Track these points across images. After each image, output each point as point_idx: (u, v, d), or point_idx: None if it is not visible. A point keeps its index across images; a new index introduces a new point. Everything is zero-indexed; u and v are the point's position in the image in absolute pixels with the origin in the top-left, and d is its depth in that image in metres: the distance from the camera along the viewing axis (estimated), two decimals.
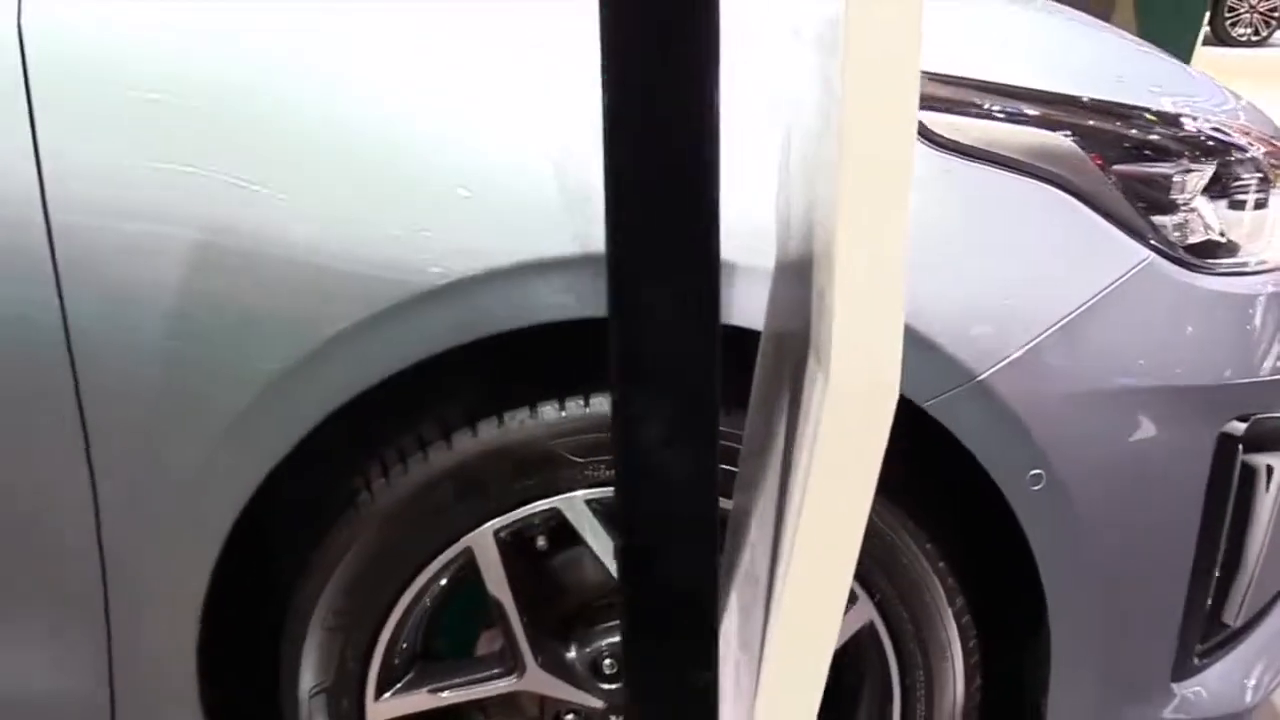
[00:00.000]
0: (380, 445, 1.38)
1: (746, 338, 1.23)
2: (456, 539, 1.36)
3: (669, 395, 0.85)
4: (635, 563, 0.88)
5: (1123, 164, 1.39)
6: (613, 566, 1.39)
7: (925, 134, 1.29)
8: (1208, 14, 7.57)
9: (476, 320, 1.26)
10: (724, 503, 1.06)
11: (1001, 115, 1.34)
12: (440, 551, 1.36)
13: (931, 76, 1.31)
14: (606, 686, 1.46)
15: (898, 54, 0.77)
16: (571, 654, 1.46)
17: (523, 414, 1.32)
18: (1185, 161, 1.44)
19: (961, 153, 1.30)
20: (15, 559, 1.34)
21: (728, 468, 1.18)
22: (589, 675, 1.46)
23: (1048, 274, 1.33)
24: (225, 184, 1.22)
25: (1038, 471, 1.35)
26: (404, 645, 1.44)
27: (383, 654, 1.41)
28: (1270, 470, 1.47)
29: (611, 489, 1.28)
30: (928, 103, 1.29)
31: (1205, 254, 1.42)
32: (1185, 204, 1.45)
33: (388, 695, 1.44)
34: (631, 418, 0.86)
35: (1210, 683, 1.61)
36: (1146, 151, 1.41)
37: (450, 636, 1.54)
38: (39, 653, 1.40)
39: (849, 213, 0.79)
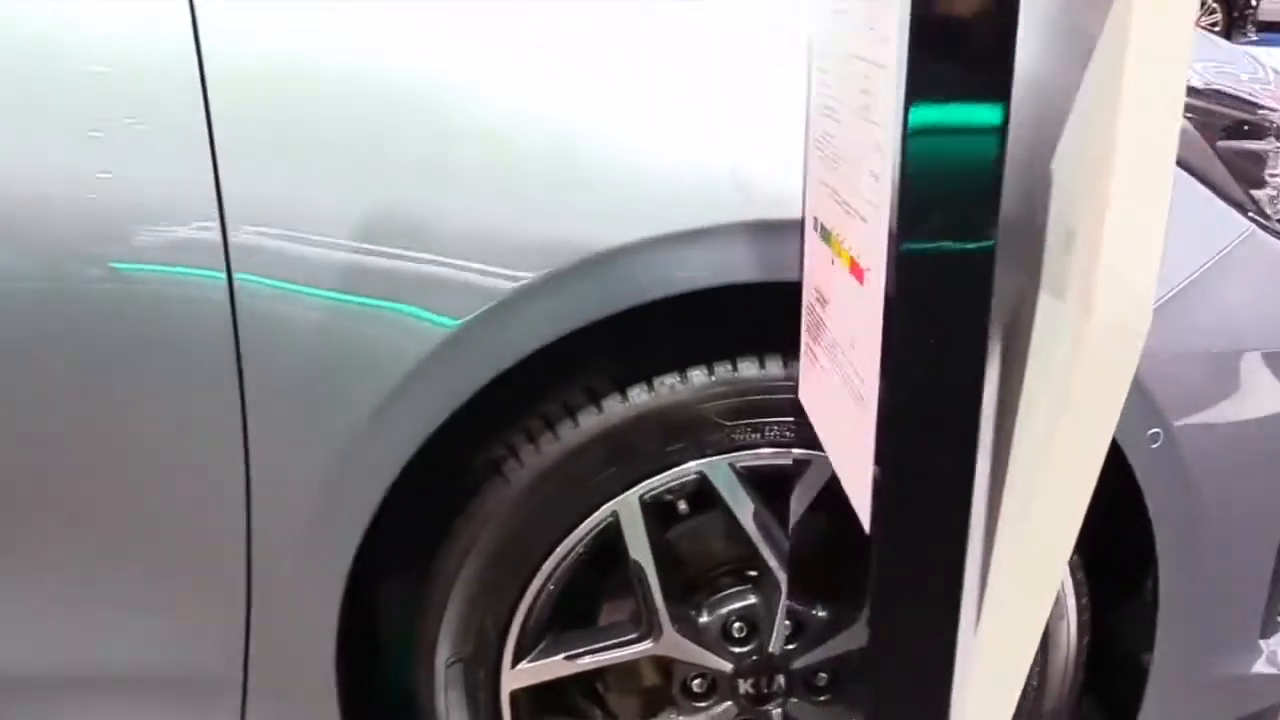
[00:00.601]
0: (525, 415, 1.39)
1: None
2: (603, 504, 1.37)
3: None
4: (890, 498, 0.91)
5: (1225, 141, 1.46)
6: (752, 530, 1.42)
7: None
8: None
9: (627, 289, 1.28)
10: None
11: None
12: (586, 517, 1.38)
13: None
14: (736, 650, 1.48)
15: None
16: (704, 618, 1.47)
17: (672, 379, 1.35)
18: (1273, 139, 1.52)
19: None
20: (164, 536, 1.33)
21: None
22: (720, 639, 1.48)
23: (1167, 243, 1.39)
24: (396, 167, 1.24)
25: (1155, 430, 1.40)
26: (540, 614, 1.44)
27: (521, 622, 1.42)
28: None
29: (756, 451, 1.32)
30: None
31: None
32: (1273, 178, 1.53)
33: (523, 663, 1.45)
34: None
35: None
36: (1245, 129, 1.48)
37: None
38: (176, 628, 1.38)
39: (1123, 160, 0.84)
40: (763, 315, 1.42)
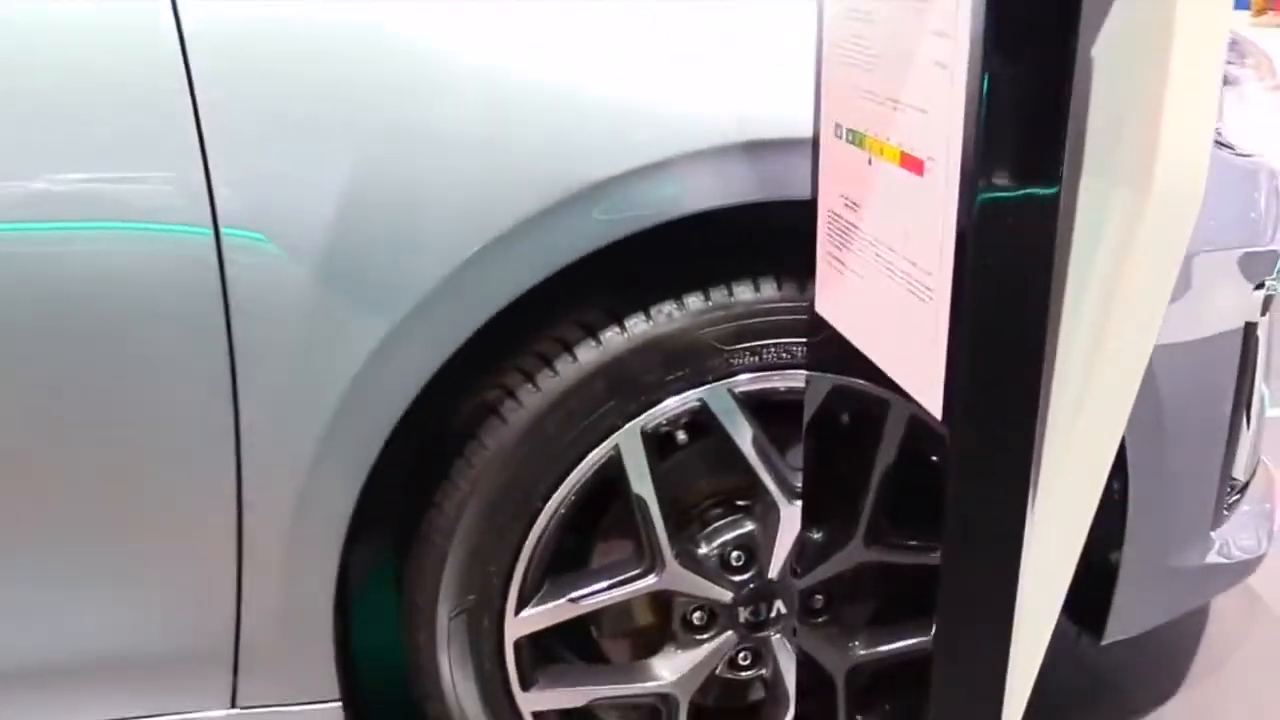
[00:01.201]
0: (519, 355, 1.37)
1: None
2: (604, 438, 1.36)
3: None
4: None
5: None
6: (752, 456, 1.42)
7: None
8: None
9: (628, 215, 1.26)
10: None
11: None
12: (587, 453, 1.36)
13: None
14: (736, 579, 1.48)
15: None
16: (704, 549, 1.47)
17: (670, 306, 1.34)
18: None
19: None
20: (148, 504, 1.27)
21: None
22: (719, 569, 1.48)
23: None
24: (388, 88, 1.20)
25: None
26: (542, 558, 1.42)
27: (525, 567, 1.40)
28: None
29: (756, 375, 1.32)
30: None
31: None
32: None
33: (527, 610, 1.42)
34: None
35: (1233, 532, 1.75)
36: None
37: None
38: (162, 604, 1.32)
39: (1181, 40, 0.86)
40: (753, 240, 1.41)
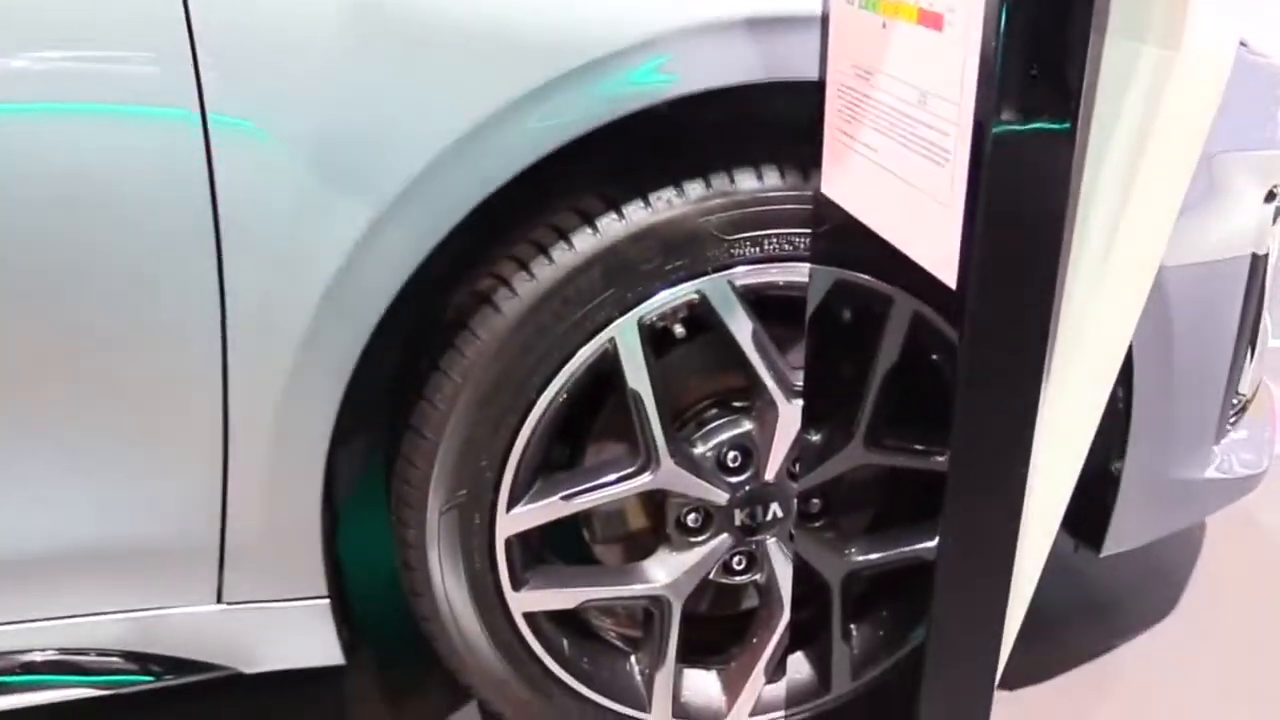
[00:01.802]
0: (513, 243, 1.33)
1: None
2: (600, 330, 1.32)
3: None
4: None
5: None
6: (751, 352, 1.38)
7: None
8: None
9: (626, 94, 1.21)
10: None
11: None
12: (583, 345, 1.32)
13: None
14: (732, 480, 1.45)
15: None
16: (700, 449, 1.44)
17: (669, 193, 1.29)
18: None
19: None
20: (131, 391, 1.22)
21: None
22: (715, 469, 1.44)
23: None
24: None
25: None
26: (534, 454, 1.38)
27: (517, 462, 1.37)
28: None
29: (756, 266, 1.28)
30: None
31: None
32: None
33: (519, 507, 1.39)
34: None
35: (1235, 447, 1.72)
36: None
37: None
38: (145, 494, 1.29)
39: None
40: (754, 129, 1.37)
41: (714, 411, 1.47)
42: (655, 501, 1.48)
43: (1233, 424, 1.77)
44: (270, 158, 1.16)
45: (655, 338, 1.36)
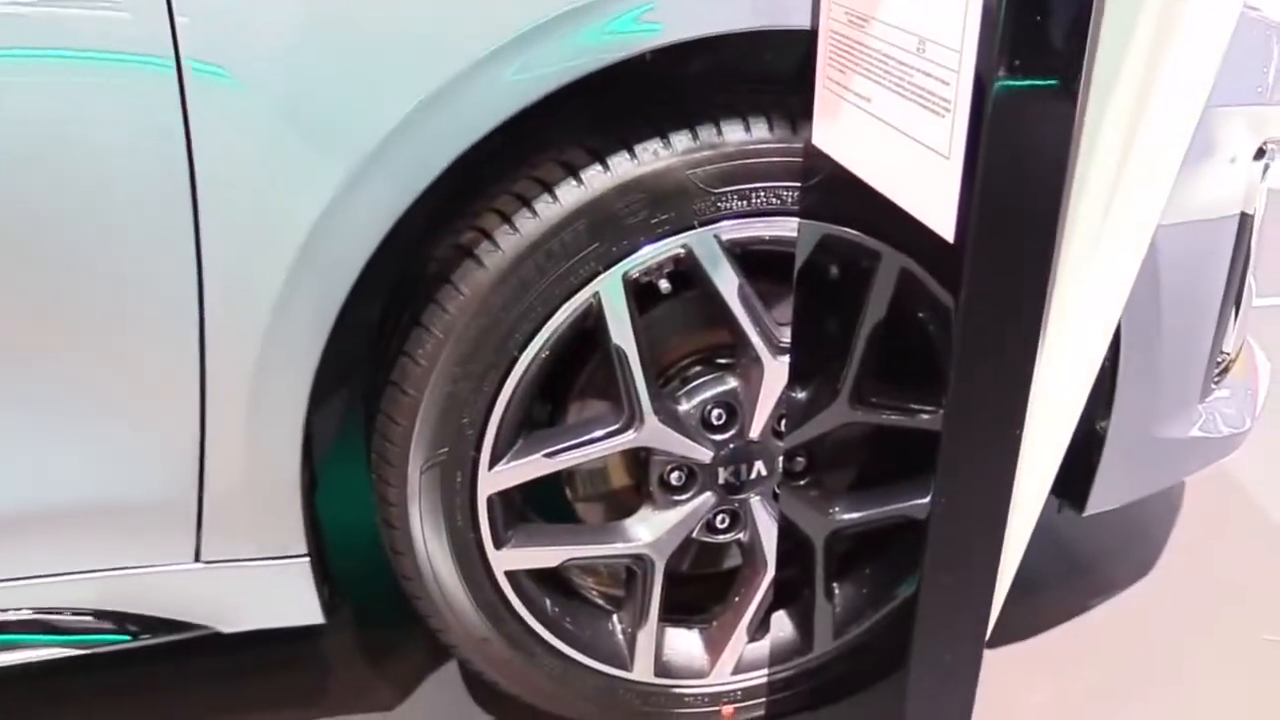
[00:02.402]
0: (495, 195, 1.30)
1: None
2: (585, 284, 1.29)
3: None
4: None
5: None
6: (736, 307, 1.36)
7: None
8: None
9: (610, 43, 1.18)
10: None
11: None
12: (567, 299, 1.30)
13: None
14: (716, 438, 1.43)
15: None
16: (684, 406, 1.42)
17: (655, 144, 1.27)
18: None
19: None
20: (105, 346, 1.20)
21: None
22: (700, 426, 1.42)
23: None
24: None
25: None
26: (517, 411, 1.36)
27: (500, 419, 1.35)
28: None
29: (743, 221, 1.26)
30: None
31: None
32: None
33: (501, 465, 1.37)
34: None
35: (1219, 406, 1.72)
36: None
37: None
38: (122, 452, 1.26)
39: None
40: (742, 79, 1.34)
41: (698, 368, 1.45)
42: (638, 459, 1.46)
43: (1216, 383, 1.77)
44: (247, 109, 1.12)
45: (639, 292, 1.33)
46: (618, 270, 1.30)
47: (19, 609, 1.34)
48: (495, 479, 1.38)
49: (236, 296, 1.20)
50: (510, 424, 1.36)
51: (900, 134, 0.93)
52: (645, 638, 1.53)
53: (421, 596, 1.45)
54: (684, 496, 1.46)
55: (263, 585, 1.39)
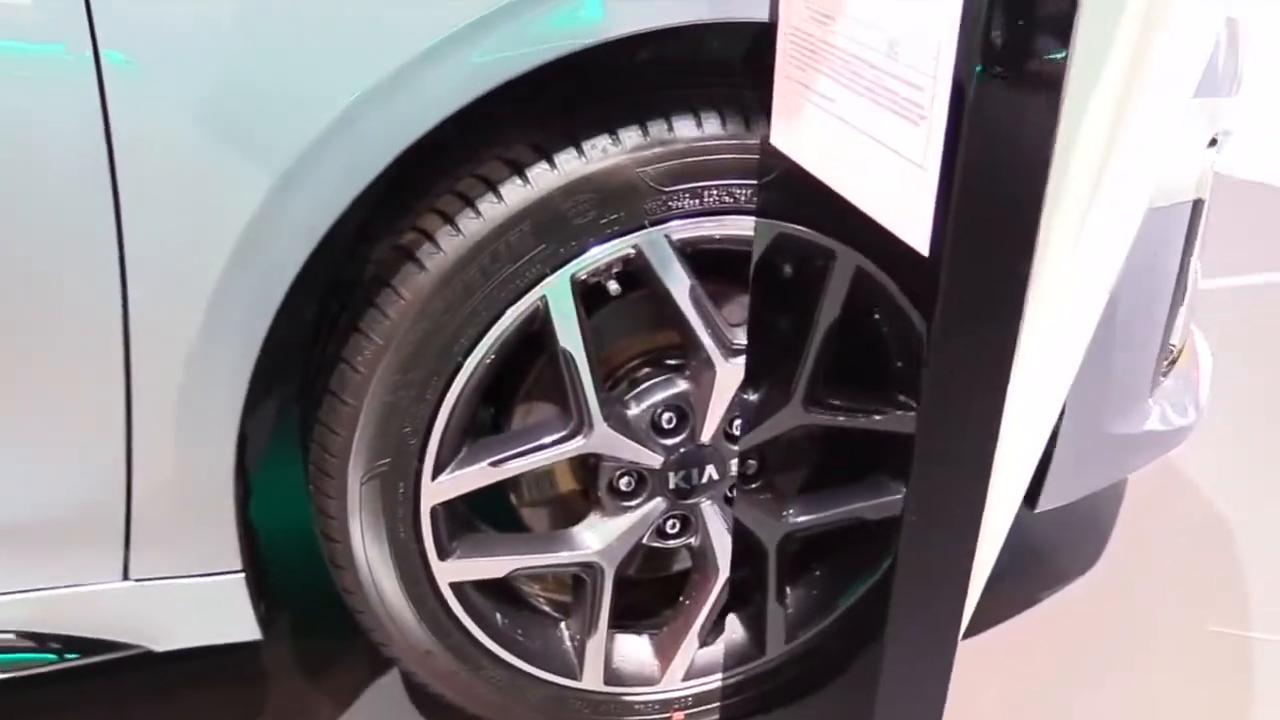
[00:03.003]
0: (437, 194, 1.24)
1: None
2: (531, 288, 1.24)
3: None
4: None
5: None
6: (688, 309, 1.31)
7: None
8: None
9: (556, 34, 1.13)
10: None
11: None
12: (513, 303, 1.24)
13: None
14: (667, 442, 1.39)
15: None
16: (634, 410, 1.37)
17: (604, 141, 1.21)
18: None
19: None
20: (26, 357, 1.12)
21: None
22: (650, 432, 1.38)
23: None
24: None
25: None
26: (460, 419, 1.31)
27: (443, 428, 1.29)
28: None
29: (695, 220, 1.21)
30: None
31: None
32: None
33: (444, 475, 1.32)
34: None
35: (1168, 399, 1.71)
36: None
37: None
38: (45, 467, 1.19)
39: None
40: (692, 73, 1.30)
41: (647, 370, 1.40)
42: (587, 464, 1.41)
43: (1165, 375, 1.75)
44: (172, 100, 1.06)
45: (586, 293, 1.28)
46: (565, 272, 1.25)
47: None
48: (439, 489, 1.32)
49: (164, 299, 1.14)
50: (454, 432, 1.30)
51: (870, 139, 0.89)
52: (595, 646, 1.49)
53: (364, 610, 1.40)
54: (634, 502, 1.42)
55: (195, 602, 1.33)
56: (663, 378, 1.40)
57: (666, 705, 1.58)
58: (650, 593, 1.62)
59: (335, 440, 1.28)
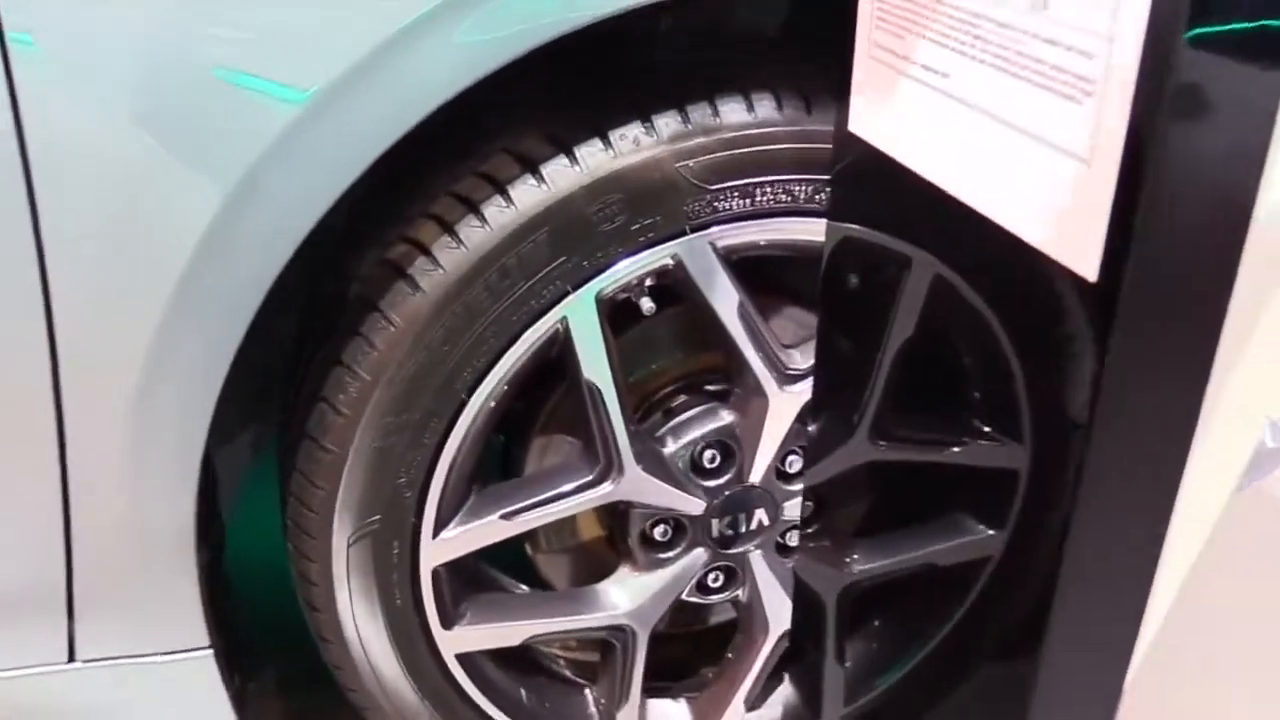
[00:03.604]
0: (433, 197, 1.02)
1: None
2: (549, 309, 1.02)
3: None
4: None
5: None
6: (736, 329, 1.09)
7: None
8: None
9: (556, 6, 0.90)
10: None
11: None
12: (527, 328, 1.02)
13: None
14: (709, 484, 1.17)
15: None
16: (670, 448, 1.15)
17: (635, 131, 0.99)
18: None
19: None
20: None
21: None
22: (690, 473, 1.16)
23: None
24: None
25: None
26: (465, 465, 1.09)
27: (445, 478, 1.08)
28: None
29: (743, 224, 1.00)
30: None
31: None
32: None
33: (447, 530, 1.10)
34: None
35: None
36: None
37: None
38: None
39: None
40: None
41: (683, 399, 1.18)
42: (615, 508, 1.19)
43: None
44: (101, 92, 0.86)
45: (613, 312, 1.06)
46: (590, 290, 1.04)
47: None
48: (441, 548, 1.12)
49: (97, 339, 0.95)
50: (458, 481, 1.09)
51: (1003, 125, 0.66)
52: (625, 717, 1.27)
53: (356, 689, 1.19)
54: (671, 554, 1.21)
55: (154, 685, 1.13)
56: (703, 407, 1.18)
57: None
58: (686, 646, 1.40)
59: (316, 494, 1.06)
